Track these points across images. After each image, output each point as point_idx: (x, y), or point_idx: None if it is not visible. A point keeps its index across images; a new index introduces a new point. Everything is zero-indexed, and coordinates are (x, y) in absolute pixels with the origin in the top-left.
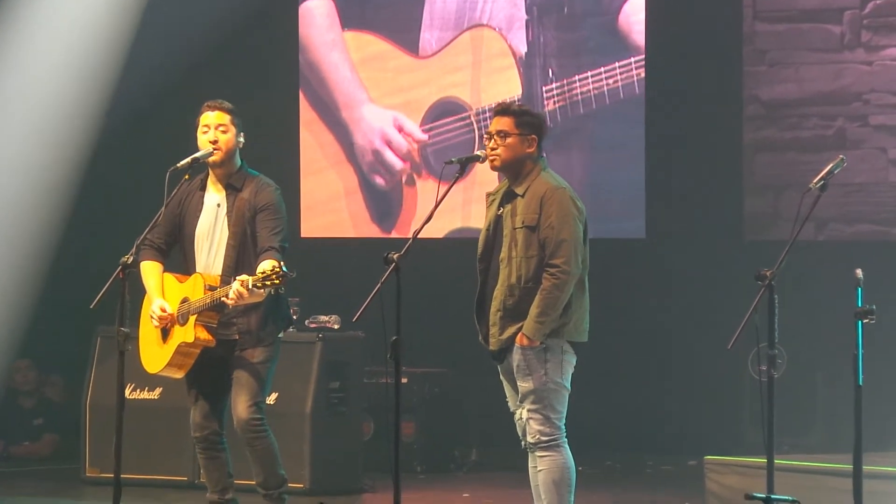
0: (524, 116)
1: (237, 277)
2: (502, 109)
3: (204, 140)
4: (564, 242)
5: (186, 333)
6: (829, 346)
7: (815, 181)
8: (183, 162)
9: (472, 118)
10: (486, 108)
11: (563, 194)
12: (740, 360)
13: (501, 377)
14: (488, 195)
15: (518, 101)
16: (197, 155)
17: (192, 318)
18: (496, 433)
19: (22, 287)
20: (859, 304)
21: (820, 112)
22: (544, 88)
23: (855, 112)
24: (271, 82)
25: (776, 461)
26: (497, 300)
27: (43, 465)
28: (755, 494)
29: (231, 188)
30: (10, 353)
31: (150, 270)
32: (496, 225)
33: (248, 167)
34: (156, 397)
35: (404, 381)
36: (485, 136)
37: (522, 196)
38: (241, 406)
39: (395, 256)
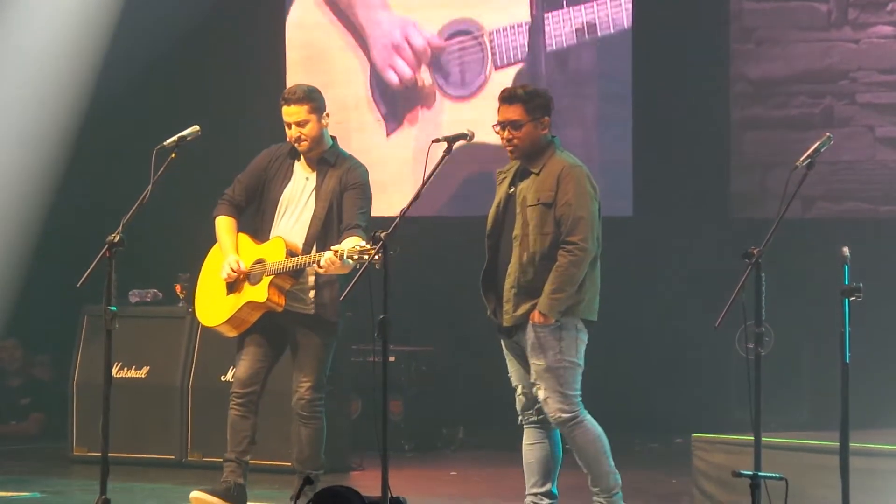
0: (534, 100)
1: (331, 248)
2: (509, 97)
3: (289, 135)
4: (582, 220)
5: (258, 292)
6: (815, 323)
7: (802, 159)
8: (169, 140)
9: (486, 38)
10: (499, 29)
11: (579, 172)
12: (727, 338)
13: (506, 352)
14: (499, 173)
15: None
16: (183, 133)
17: (267, 279)
18: (484, 411)
19: (8, 266)
20: (846, 282)
21: (807, 90)
22: (549, 15)
23: (842, 90)
24: (259, 53)
25: (763, 439)
26: (511, 277)
27: (30, 445)
28: (742, 472)
29: (324, 162)
30: None
31: (227, 226)
32: (507, 202)
33: (338, 146)
34: (143, 376)
35: (392, 359)
36: (495, 126)
37: (538, 174)
38: (304, 385)
39: (383, 235)
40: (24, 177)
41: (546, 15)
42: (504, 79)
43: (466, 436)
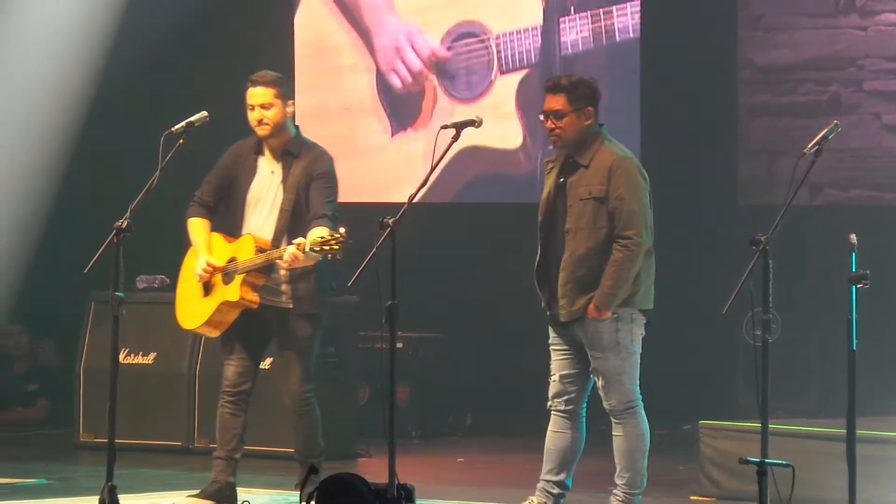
0: (577, 90)
1: (293, 241)
2: (553, 86)
3: (251, 118)
4: (635, 213)
5: (231, 292)
6: (823, 310)
7: (809, 146)
8: (178, 126)
9: (492, 41)
10: (506, 33)
11: (630, 164)
12: (735, 325)
13: (552, 339)
14: (547, 161)
15: (537, 30)
16: (191, 119)
17: (239, 278)
18: (491, 398)
19: (15, 252)
20: (853, 269)
21: (814, 77)
22: (561, 20)
23: (849, 77)
24: (265, 45)
25: (770, 426)
26: (566, 271)
27: (36, 431)
28: (749, 459)
29: (288, 154)
30: (3, 318)
31: (199, 227)
32: (556, 193)
33: (302, 136)
34: (150, 362)
35: (399, 346)
36: (541, 115)
37: (587, 167)
38: (293, 378)
39: (391, 221)
40: (33, 163)
41: (560, 19)
42: (509, 83)
43: (473, 422)
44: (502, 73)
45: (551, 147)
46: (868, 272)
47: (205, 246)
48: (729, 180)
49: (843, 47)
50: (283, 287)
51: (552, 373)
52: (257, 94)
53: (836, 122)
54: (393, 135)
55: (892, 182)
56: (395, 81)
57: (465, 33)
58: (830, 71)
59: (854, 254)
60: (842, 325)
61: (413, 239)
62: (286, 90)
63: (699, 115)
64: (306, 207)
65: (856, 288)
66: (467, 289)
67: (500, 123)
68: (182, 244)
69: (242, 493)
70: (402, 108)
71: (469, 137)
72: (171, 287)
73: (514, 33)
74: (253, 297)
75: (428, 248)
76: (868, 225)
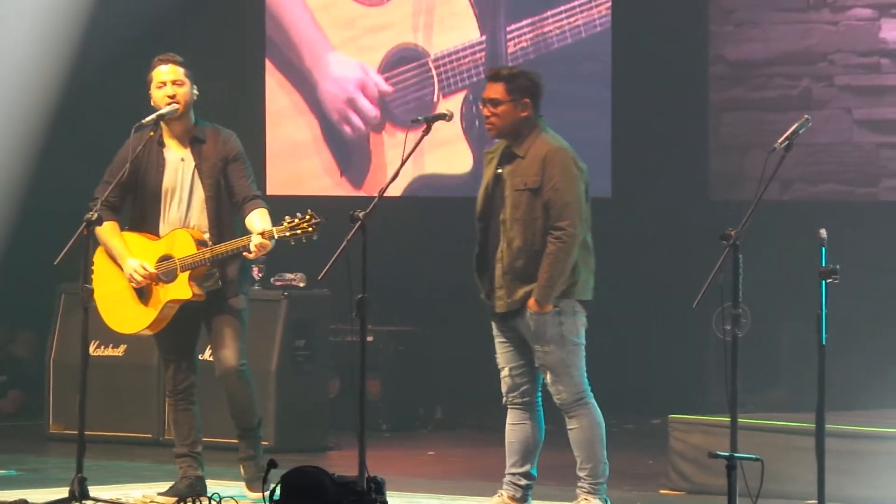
0: (516, 81)
1: (257, 231)
2: (493, 75)
3: (160, 95)
4: (569, 205)
5: (181, 290)
6: (793, 305)
7: (779, 141)
8: (148, 119)
9: (431, 64)
10: (444, 53)
11: (564, 155)
12: (705, 320)
13: (495, 332)
14: (486, 153)
15: (481, 44)
16: (162, 111)
17: (185, 275)
18: (461, 391)
19: None
20: (823, 264)
21: (785, 72)
22: (507, 30)
23: (820, 72)
24: (237, 37)
25: (740, 420)
26: (502, 262)
27: (7, 422)
28: (719, 453)
29: (196, 141)
30: None
31: (112, 231)
32: (495, 183)
33: (201, 120)
34: (120, 354)
35: (370, 339)
36: (480, 103)
37: (523, 157)
38: (229, 354)
39: (361, 214)
40: (2, 155)
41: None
42: (452, 106)
43: (444, 416)
44: (444, 96)
45: (489, 136)
46: (838, 267)
47: (125, 249)
48: (700, 175)
49: (814, 42)
50: (214, 270)
51: (500, 366)
52: (168, 72)
53: (806, 116)
54: (342, 174)
55: (863, 177)
56: (347, 131)
57: (403, 58)
58: (801, 66)
59: (824, 248)
60: (812, 319)
61: (385, 232)
62: (192, 74)
63: (670, 109)
64: (228, 191)
65: (826, 283)
66: (437, 282)
67: (447, 149)
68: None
69: (212, 486)
70: (349, 148)
71: (417, 166)
72: None
73: (454, 52)
74: (199, 291)
75: (399, 241)
76: (838, 220)
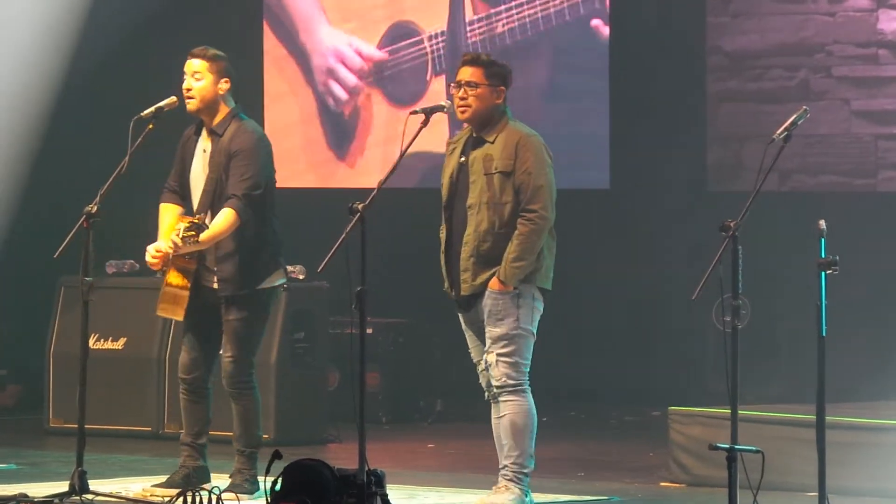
0: (493, 67)
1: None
2: (471, 60)
3: (183, 88)
4: (542, 188)
5: (170, 276)
6: (792, 296)
7: (778, 132)
8: (147, 111)
9: (426, 41)
10: (439, 32)
11: (536, 141)
12: (704, 311)
13: (464, 326)
14: (449, 143)
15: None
16: (160, 104)
17: (172, 265)
18: (461, 384)
19: None
20: (822, 255)
21: (783, 63)
22: (467, 21)
23: (818, 63)
24: (235, 22)
25: (740, 412)
26: (469, 246)
27: (6, 416)
28: (719, 445)
29: (214, 134)
30: None
31: (164, 211)
32: (460, 171)
33: (241, 112)
34: (120, 347)
35: (369, 331)
36: (452, 85)
37: (492, 142)
38: (224, 360)
39: (360, 206)
40: (1, 149)
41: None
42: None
43: (444, 408)
44: (436, 75)
45: (461, 118)
46: (837, 258)
47: (163, 232)
48: (698, 166)
49: (811, 33)
50: (214, 268)
51: (475, 360)
52: (192, 65)
53: (804, 107)
54: (329, 147)
55: (861, 168)
56: (330, 102)
57: (401, 34)
58: (799, 57)
59: (823, 240)
60: (811, 310)
61: (384, 223)
62: (223, 67)
63: (668, 100)
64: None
65: (825, 274)
66: (437, 274)
67: (435, 128)
68: (154, 229)
69: (215, 480)
70: (342, 123)
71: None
72: (141, 272)
73: (448, 32)
74: (180, 280)
75: (399, 232)
76: (837, 211)
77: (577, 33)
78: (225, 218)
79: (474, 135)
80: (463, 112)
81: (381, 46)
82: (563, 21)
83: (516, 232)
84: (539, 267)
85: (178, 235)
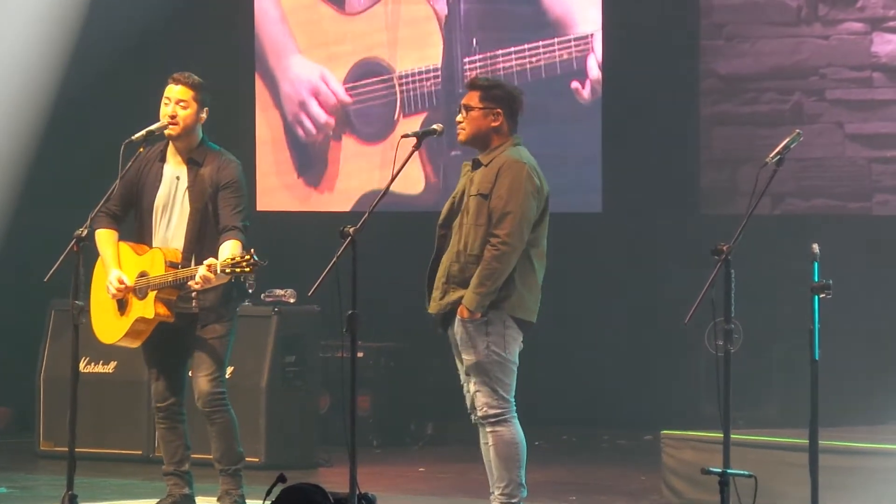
0: (491, 90)
1: (205, 262)
2: (470, 83)
3: (163, 111)
4: (509, 214)
5: (146, 309)
6: (785, 320)
7: (771, 155)
8: (138, 134)
9: (395, 81)
10: (409, 73)
11: (519, 167)
12: (697, 335)
13: (453, 350)
14: (464, 164)
15: (439, 70)
16: (152, 127)
17: (152, 294)
18: (452, 407)
19: None
20: (815, 279)
21: (777, 86)
22: (466, 60)
23: (812, 86)
24: (223, 51)
25: (732, 436)
26: (443, 266)
27: None
28: (711, 469)
29: (193, 163)
30: None
31: (107, 239)
32: (462, 193)
33: (209, 141)
34: (110, 371)
35: (360, 355)
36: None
37: (486, 166)
38: (201, 380)
39: (351, 230)
40: None
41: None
42: (412, 127)
43: (434, 431)
44: (405, 115)
45: (458, 140)
46: (830, 282)
47: (114, 259)
48: (691, 189)
49: (805, 56)
50: (193, 294)
51: (462, 384)
52: (176, 91)
53: (798, 131)
54: (299, 175)
55: (855, 191)
56: (300, 133)
57: (368, 71)
58: (793, 80)
59: (816, 263)
60: (804, 334)
61: (375, 247)
62: (205, 97)
63: (661, 123)
64: (215, 218)
65: (818, 298)
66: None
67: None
68: None
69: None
70: (308, 152)
71: (370, 182)
72: None
73: (418, 73)
74: (167, 312)
75: (390, 256)
76: (830, 234)
77: (569, 59)
78: (237, 248)
79: (476, 157)
80: (458, 135)
81: (346, 81)
82: (559, 54)
83: (483, 257)
84: (508, 295)
85: (217, 269)
